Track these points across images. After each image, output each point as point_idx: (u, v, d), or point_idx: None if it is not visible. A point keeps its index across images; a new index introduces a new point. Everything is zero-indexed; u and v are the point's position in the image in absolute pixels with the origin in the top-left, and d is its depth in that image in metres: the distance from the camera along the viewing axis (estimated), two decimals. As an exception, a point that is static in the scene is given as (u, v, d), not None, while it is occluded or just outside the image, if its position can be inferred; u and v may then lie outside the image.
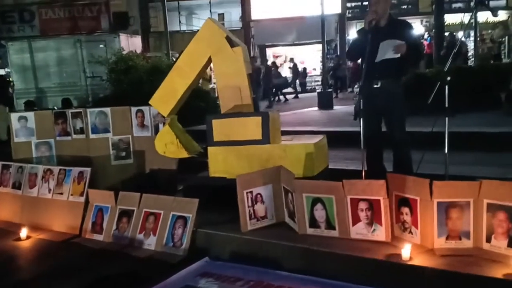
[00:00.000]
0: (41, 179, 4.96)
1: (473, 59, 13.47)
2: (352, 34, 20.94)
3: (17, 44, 15.76)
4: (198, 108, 7.62)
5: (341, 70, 17.67)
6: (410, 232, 3.24)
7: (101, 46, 14.87)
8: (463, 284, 2.77)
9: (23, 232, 4.55)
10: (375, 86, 4.22)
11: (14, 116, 5.66)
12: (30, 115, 5.65)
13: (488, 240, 2.95)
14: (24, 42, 15.68)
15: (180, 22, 22.30)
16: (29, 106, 11.39)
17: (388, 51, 4.10)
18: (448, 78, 3.79)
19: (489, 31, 19.40)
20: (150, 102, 4.82)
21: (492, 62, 13.59)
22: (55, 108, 9.91)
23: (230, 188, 3.82)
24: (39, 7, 20.02)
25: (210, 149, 4.44)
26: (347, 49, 7.15)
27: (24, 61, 15.27)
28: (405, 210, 3.25)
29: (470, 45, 15.88)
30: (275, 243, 3.55)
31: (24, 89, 15.09)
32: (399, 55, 4.06)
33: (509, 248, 2.84)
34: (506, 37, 20.50)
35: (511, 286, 2.63)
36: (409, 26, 4.34)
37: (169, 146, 4.73)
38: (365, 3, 21.85)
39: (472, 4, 20.16)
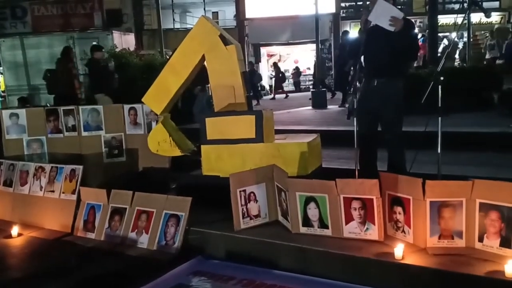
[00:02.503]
0: (33, 177, 4.91)
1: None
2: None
3: (9, 40, 15.58)
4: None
5: (256, 76, 16.96)
6: (403, 231, 3.25)
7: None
8: (456, 283, 2.78)
9: (14, 230, 4.52)
10: (370, 85, 4.21)
11: (5, 113, 5.61)
12: (22, 112, 5.61)
13: (481, 239, 2.97)
14: (16, 38, 15.50)
15: (174, 20, 22.18)
16: (22, 102, 11.24)
17: (383, 18, 3.86)
18: (441, 78, 3.80)
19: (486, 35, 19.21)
20: (143, 99, 4.80)
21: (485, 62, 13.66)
22: (48, 105, 9.85)
23: (223, 186, 3.80)
24: (31, 4, 19.85)
25: (204, 148, 4.42)
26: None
27: (16, 58, 15.09)
28: (398, 209, 3.26)
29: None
30: (268, 242, 3.55)
31: (16, 86, 14.93)
32: (393, 29, 3.88)
33: (501, 247, 2.86)
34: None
35: (503, 285, 2.65)
36: (406, 23, 3.97)
37: (162, 144, 4.71)
38: (360, 3, 21.92)
39: (465, 5, 20.26)
